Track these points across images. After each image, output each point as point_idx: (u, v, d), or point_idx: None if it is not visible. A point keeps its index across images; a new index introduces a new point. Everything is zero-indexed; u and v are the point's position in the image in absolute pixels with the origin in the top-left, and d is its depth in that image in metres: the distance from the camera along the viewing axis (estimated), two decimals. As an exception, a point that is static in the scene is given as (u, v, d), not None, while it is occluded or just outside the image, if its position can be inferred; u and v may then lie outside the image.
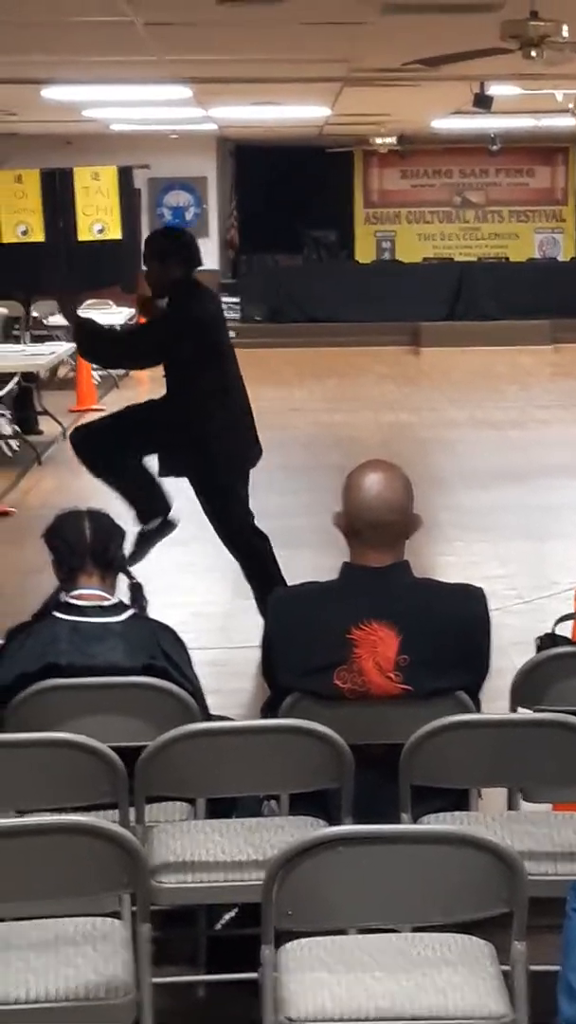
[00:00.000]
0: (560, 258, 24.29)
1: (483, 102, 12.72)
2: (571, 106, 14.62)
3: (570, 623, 5.28)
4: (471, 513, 10.96)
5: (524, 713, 4.41)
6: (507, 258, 24.09)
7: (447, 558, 9.66)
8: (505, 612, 7.72)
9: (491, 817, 4.09)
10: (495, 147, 21.27)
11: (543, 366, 20.34)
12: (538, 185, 24.42)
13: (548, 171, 24.40)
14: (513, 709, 4.44)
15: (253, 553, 7.46)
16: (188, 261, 7.40)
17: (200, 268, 7.53)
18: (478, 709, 4.23)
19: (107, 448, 7.54)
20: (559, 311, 21.96)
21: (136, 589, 4.60)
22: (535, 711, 4.40)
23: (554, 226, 24.43)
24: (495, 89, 12.99)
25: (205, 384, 7.26)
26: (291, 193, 22.72)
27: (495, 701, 4.51)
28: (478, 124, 18.42)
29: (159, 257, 7.44)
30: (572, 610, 5.36)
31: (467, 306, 22.67)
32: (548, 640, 4.75)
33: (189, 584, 8.84)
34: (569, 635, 5.12)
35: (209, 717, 4.34)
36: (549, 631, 4.85)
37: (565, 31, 8.35)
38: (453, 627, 4.17)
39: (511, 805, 4.29)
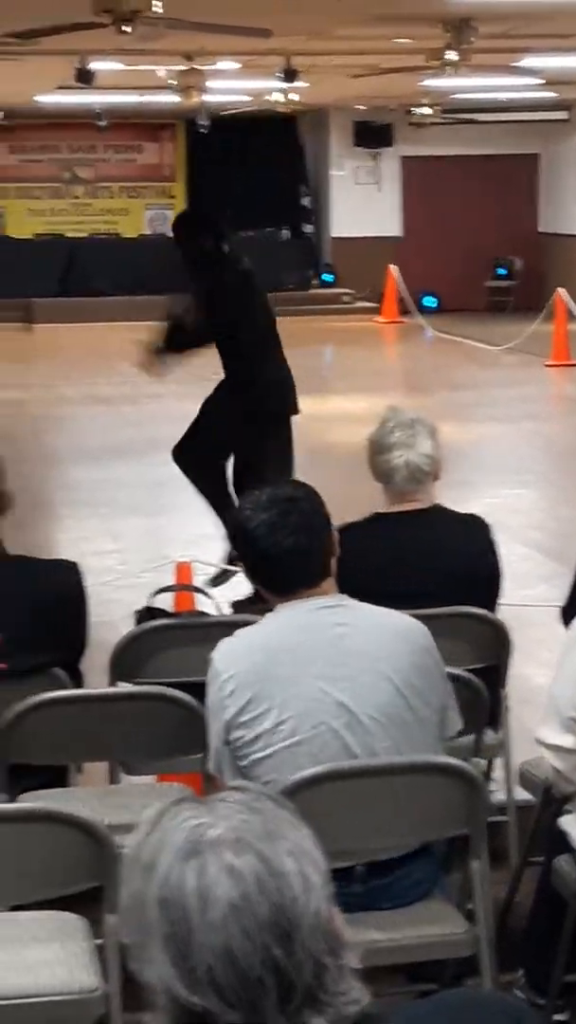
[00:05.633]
0: (170, 234, 24.31)
1: (84, 77, 12.76)
2: (173, 82, 14.67)
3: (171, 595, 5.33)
4: (83, 489, 10.94)
5: (123, 687, 4.42)
6: (118, 234, 24.06)
7: (59, 535, 9.62)
8: (116, 587, 7.72)
9: (89, 792, 4.09)
10: (102, 123, 21.21)
11: (157, 341, 20.37)
12: (146, 161, 24.47)
13: (156, 147, 24.47)
14: (112, 683, 4.44)
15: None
16: None
17: None
18: (80, 684, 4.22)
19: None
20: (170, 287, 22.01)
21: None
22: (135, 684, 4.41)
23: (164, 202, 24.49)
24: (96, 64, 12.99)
25: None
26: None
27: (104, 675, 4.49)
28: (83, 99, 18.34)
29: None
30: (172, 582, 5.40)
31: (79, 282, 22.54)
32: (146, 613, 4.76)
33: None
34: (169, 608, 5.16)
35: None
36: (148, 604, 4.87)
37: (158, 6, 8.38)
38: (48, 603, 4.14)
39: (112, 779, 4.30)
